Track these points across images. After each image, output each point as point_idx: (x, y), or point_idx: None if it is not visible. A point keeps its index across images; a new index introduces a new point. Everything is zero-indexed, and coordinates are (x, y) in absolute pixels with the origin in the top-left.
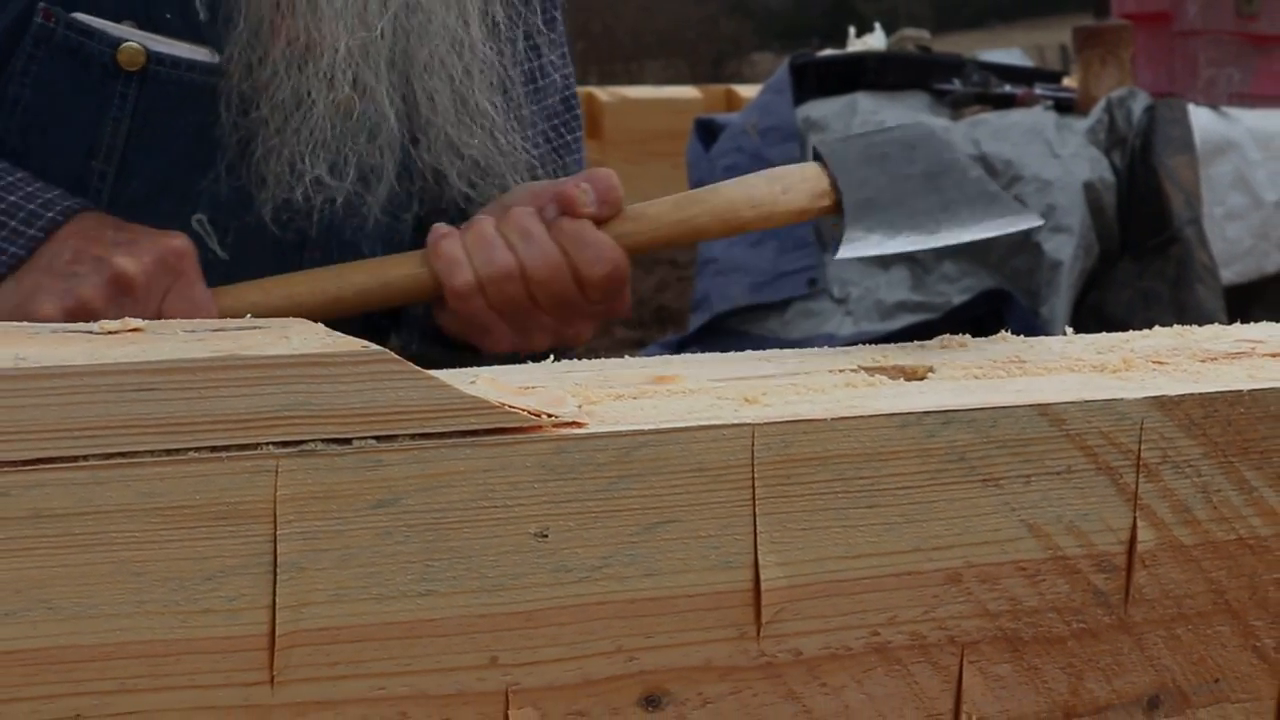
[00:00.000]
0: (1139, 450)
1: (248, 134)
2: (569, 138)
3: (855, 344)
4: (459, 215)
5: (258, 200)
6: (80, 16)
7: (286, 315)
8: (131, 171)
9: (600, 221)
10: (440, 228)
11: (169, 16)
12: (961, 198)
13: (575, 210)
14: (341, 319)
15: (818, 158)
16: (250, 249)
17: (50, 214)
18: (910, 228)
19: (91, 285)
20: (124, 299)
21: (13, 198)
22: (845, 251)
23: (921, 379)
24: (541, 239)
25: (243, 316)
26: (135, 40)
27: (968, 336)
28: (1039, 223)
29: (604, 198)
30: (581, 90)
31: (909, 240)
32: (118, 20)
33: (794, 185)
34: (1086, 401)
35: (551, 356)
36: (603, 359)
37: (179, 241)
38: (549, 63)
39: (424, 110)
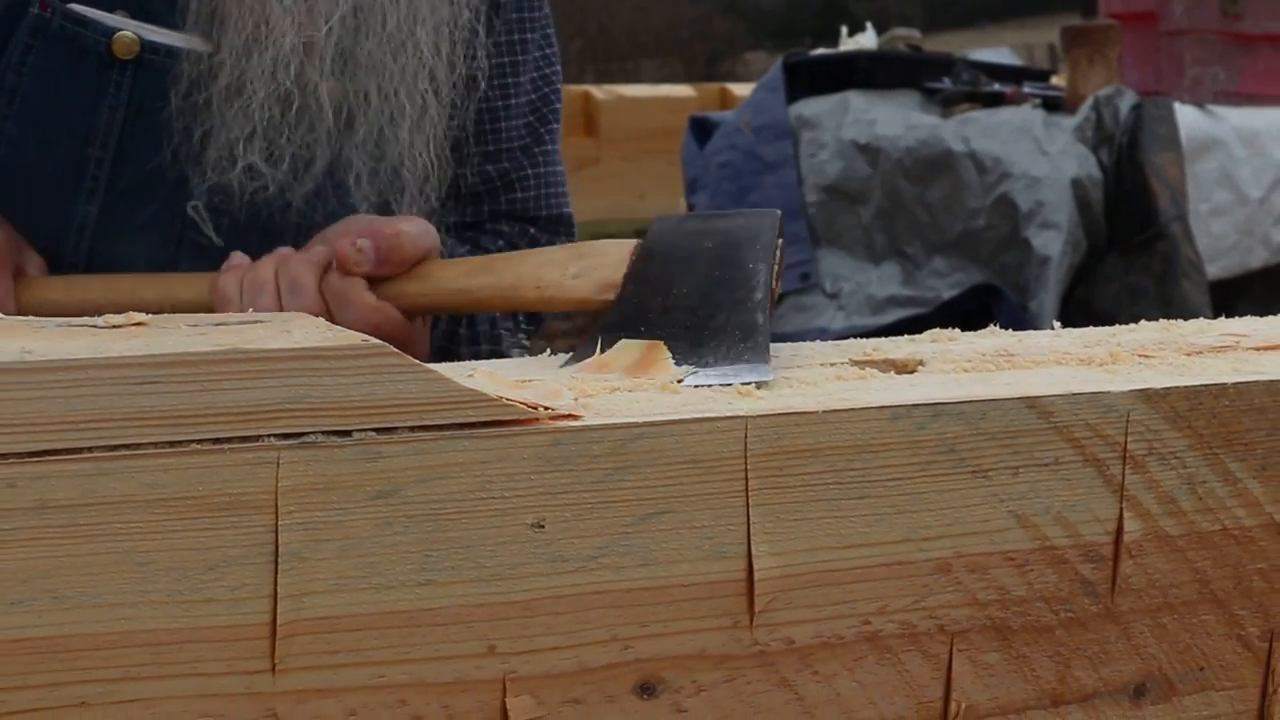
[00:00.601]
0: (1125, 442)
1: (191, 117)
2: (542, 130)
3: (847, 338)
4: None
5: (193, 183)
6: (76, 6)
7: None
8: (128, 158)
9: (378, 280)
10: (234, 258)
11: (159, 6)
12: (723, 327)
13: (347, 268)
14: None
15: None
16: (244, 235)
17: None
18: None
19: None
20: None
21: None
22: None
23: (912, 372)
24: (308, 293)
25: (40, 313)
26: (129, 29)
27: (957, 330)
28: (767, 378)
29: (385, 258)
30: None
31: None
32: (110, 10)
33: (587, 271)
34: (1074, 394)
35: (548, 351)
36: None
37: None
38: (519, 63)
39: (353, 105)
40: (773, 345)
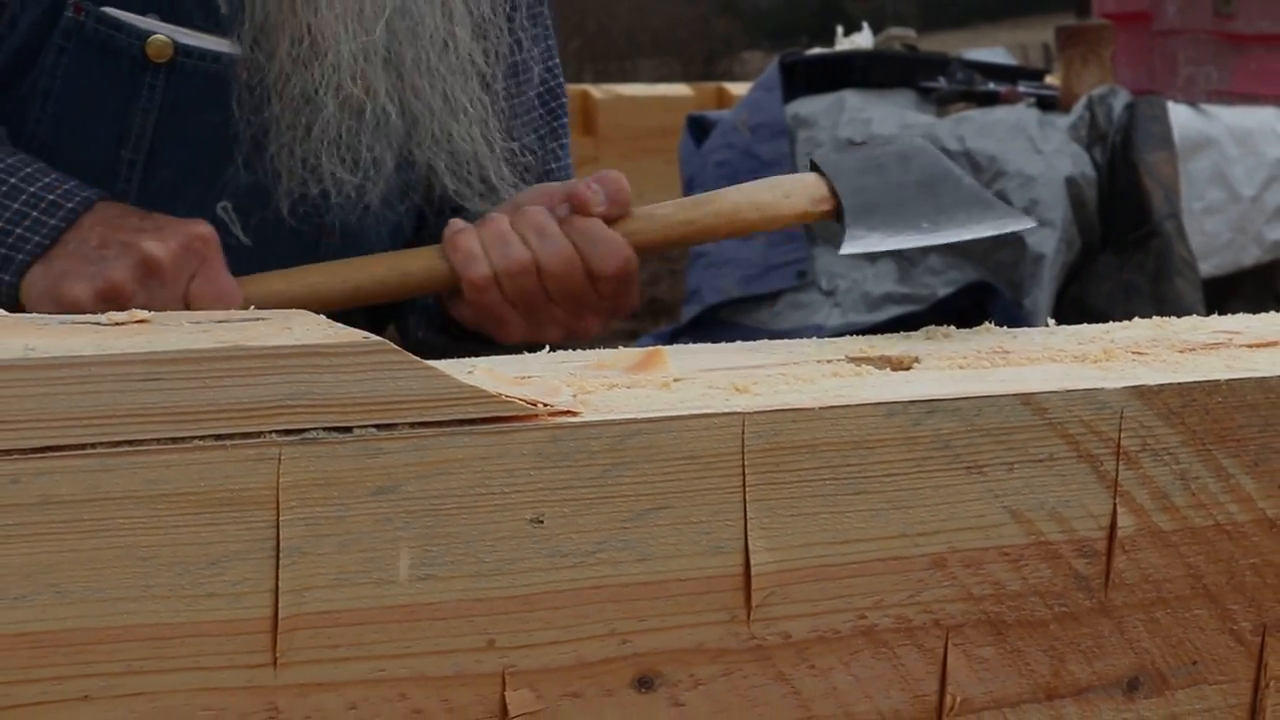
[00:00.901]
0: (1119, 438)
1: (261, 130)
2: (555, 125)
3: (843, 335)
4: (452, 209)
5: (274, 195)
6: (109, 10)
7: (308, 304)
8: (160, 160)
9: (610, 220)
10: (456, 223)
11: (192, 10)
12: (956, 202)
13: (587, 209)
14: (345, 308)
15: (815, 168)
16: (271, 236)
17: (71, 203)
18: (908, 228)
19: (121, 268)
20: (152, 282)
21: (32, 188)
22: (849, 248)
23: (907, 369)
24: (555, 235)
25: (268, 304)
26: (163, 33)
27: (952, 328)
28: (1031, 224)
29: (613, 198)
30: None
31: (907, 239)
32: (143, 13)
33: (794, 190)
34: (1068, 391)
35: (547, 347)
36: (598, 349)
37: (203, 228)
38: (530, 57)
39: (414, 108)
40: (769, 342)
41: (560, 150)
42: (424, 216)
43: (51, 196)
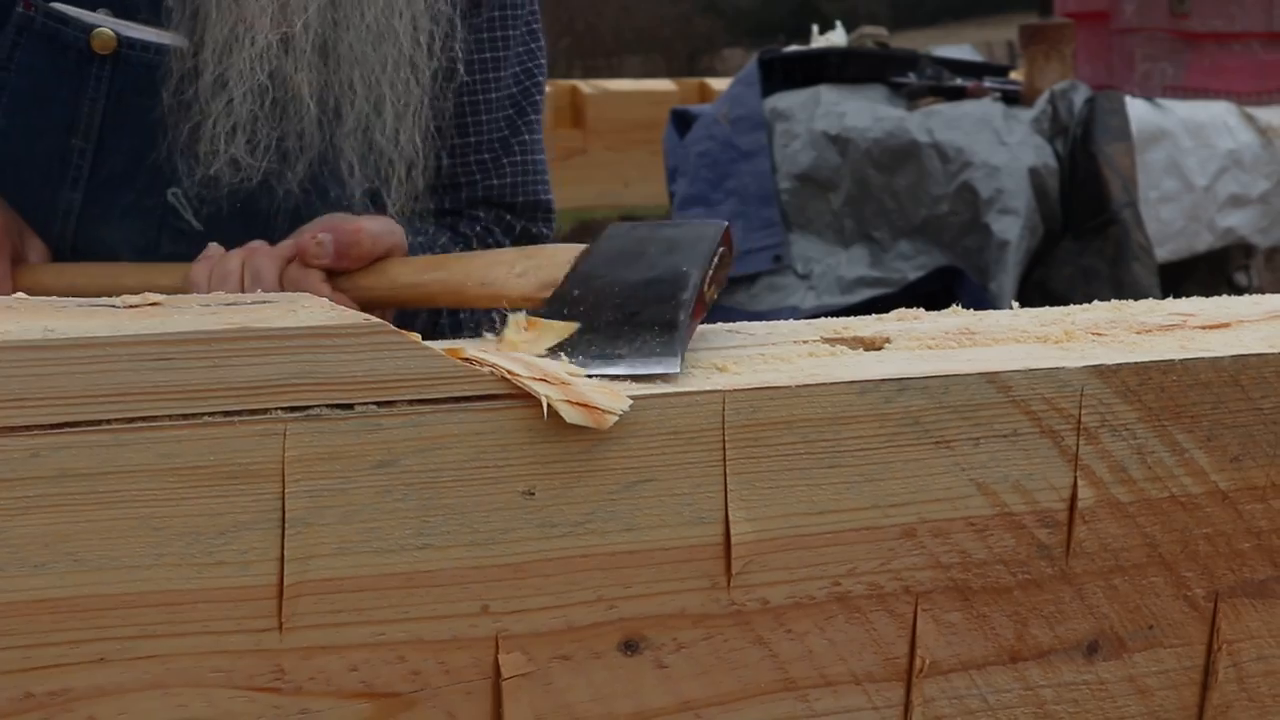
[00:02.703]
0: (1079, 415)
1: (182, 115)
2: (520, 122)
3: (817, 316)
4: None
5: (183, 174)
6: (57, 5)
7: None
8: (109, 149)
9: (337, 272)
10: (210, 249)
11: (140, 3)
12: (644, 323)
13: (307, 260)
14: None
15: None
16: (223, 221)
17: None
18: (575, 346)
19: None
20: None
21: None
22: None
23: (879, 349)
24: (268, 283)
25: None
26: (108, 26)
27: (922, 310)
28: (673, 371)
29: (343, 251)
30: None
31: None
32: (94, 8)
33: (532, 270)
34: (1031, 370)
35: None
36: None
37: None
38: (504, 57)
39: (341, 98)
40: (748, 323)
41: (519, 145)
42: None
43: None
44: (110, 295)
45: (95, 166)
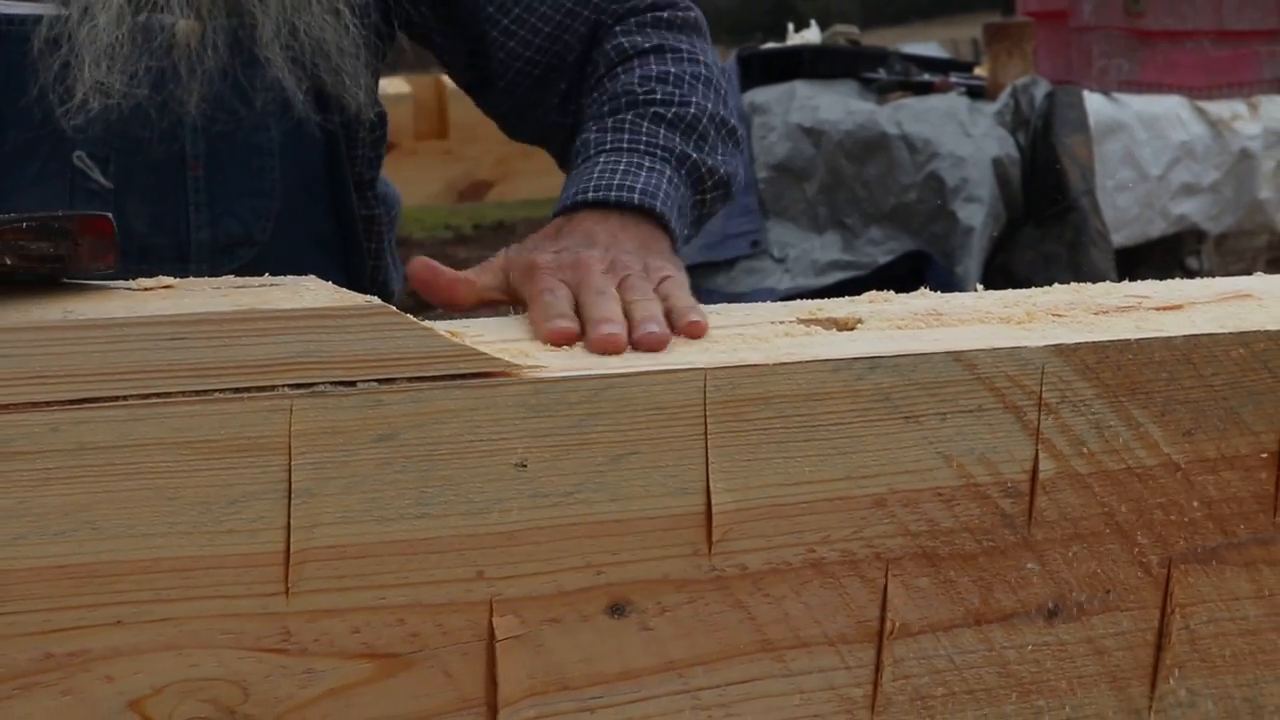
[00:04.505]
0: (1040, 391)
1: (60, 70)
2: None
3: (793, 298)
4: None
5: (60, 117)
6: None
7: None
8: (9, 125)
9: None
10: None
11: None
12: None
13: None
14: None
15: None
16: (134, 175)
17: None
18: None
19: None
20: None
21: None
22: None
23: (852, 329)
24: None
25: None
26: None
27: (892, 293)
28: None
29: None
30: None
31: None
32: None
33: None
34: (995, 349)
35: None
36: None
37: None
38: None
39: (247, 7)
40: (728, 305)
41: None
42: (333, 136)
43: None
44: None
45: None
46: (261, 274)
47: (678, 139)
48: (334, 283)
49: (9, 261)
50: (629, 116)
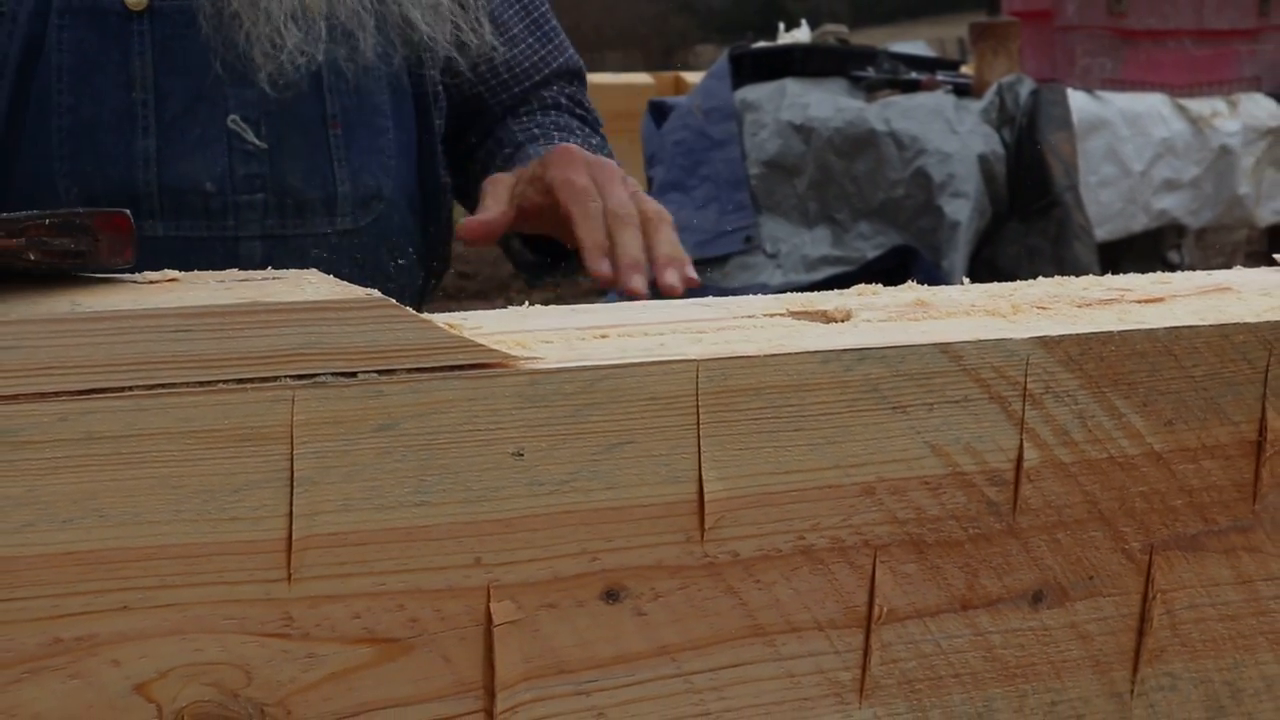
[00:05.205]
0: (1025, 382)
1: (229, 33)
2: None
3: (785, 292)
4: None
5: (258, 80)
6: None
7: None
8: (166, 94)
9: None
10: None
11: None
12: None
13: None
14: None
15: None
16: (284, 135)
17: None
18: None
19: None
20: None
21: None
22: None
23: (841, 322)
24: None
25: None
26: None
27: (880, 286)
28: None
29: None
30: None
31: None
32: None
33: None
34: (980, 341)
35: (526, 303)
36: (571, 305)
37: None
38: None
39: None
40: (720, 298)
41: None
42: (425, 99)
43: None
44: None
45: (159, 113)
46: (385, 230)
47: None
48: (419, 244)
49: (32, 257)
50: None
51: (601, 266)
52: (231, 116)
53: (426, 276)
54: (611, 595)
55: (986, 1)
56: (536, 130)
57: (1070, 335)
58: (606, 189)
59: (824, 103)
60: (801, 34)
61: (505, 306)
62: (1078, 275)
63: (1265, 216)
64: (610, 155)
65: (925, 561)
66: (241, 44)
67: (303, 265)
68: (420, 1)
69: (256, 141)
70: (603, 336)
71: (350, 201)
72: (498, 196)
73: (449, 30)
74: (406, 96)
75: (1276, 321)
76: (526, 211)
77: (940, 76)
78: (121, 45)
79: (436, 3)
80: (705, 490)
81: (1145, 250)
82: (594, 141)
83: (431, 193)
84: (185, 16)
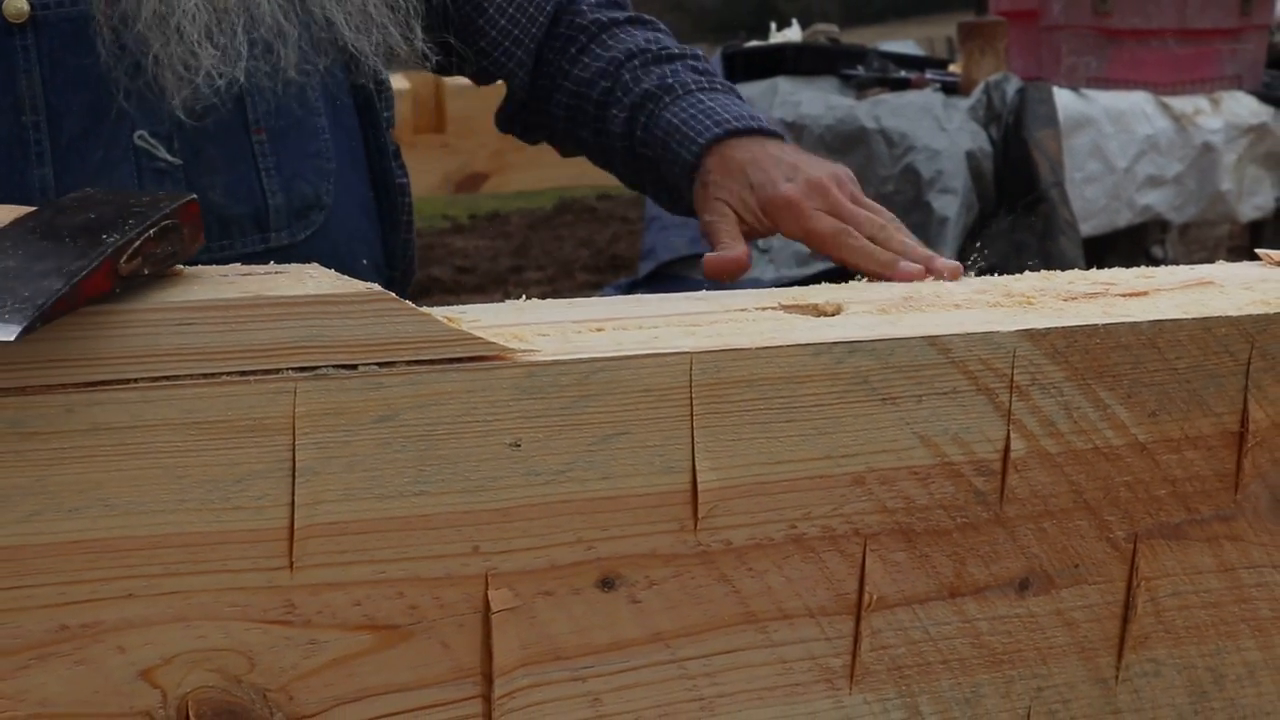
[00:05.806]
0: (1012, 374)
1: (135, 56)
2: None
3: (777, 286)
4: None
5: (170, 107)
6: None
7: None
8: (59, 114)
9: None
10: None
11: None
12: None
13: None
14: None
15: None
16: (199, 147)
17: None
18: None
19: None
20: None
21: None
22: None
23: (832, 315)
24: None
25: None
26: None
27: (868, 281)
28: (7, 339)
29: None
30: None
31: None
32: None
33: None
34: (968, 334)
35: (524, 296)
36: (567, 299)
37: None
38: None
39: None
40: (714, 292)
41: None
42: (367, 96)
43: None
44: None
45: (54, 136)
46: (331, 241)
47: (718, 80)
48: (376, 253)
49: (146, 271)
50: (675, 67)
51: (905, 270)
52: (139, 133)
53: (388, 284)
54: (607, 583)
55: (974, 1)
56: (659, 87)
57: (1056, 328)
58: (840, 211)
59: (815, 101)
60: (793, 33)
61: (503, 300)
62: (1063, 269)
63: (1247, 212)
64: (734, 91)
65: (914, 550)
66: (150, 69)
67: None
68: (345, 4)
69: (169, 158)
70: (598, 330)
71: (285, 214)
72: (731, 233)
73: (375, 36)
74: (343, 90)
75: (1258, 315)
76: (748, 236)
77: (929, 75)
78: (4, 63)
79: (364, 7)
80: (699, 480)
81: (1129, 245)
82: (719, 87)
83: (386, 194)
84: (75, 25)
